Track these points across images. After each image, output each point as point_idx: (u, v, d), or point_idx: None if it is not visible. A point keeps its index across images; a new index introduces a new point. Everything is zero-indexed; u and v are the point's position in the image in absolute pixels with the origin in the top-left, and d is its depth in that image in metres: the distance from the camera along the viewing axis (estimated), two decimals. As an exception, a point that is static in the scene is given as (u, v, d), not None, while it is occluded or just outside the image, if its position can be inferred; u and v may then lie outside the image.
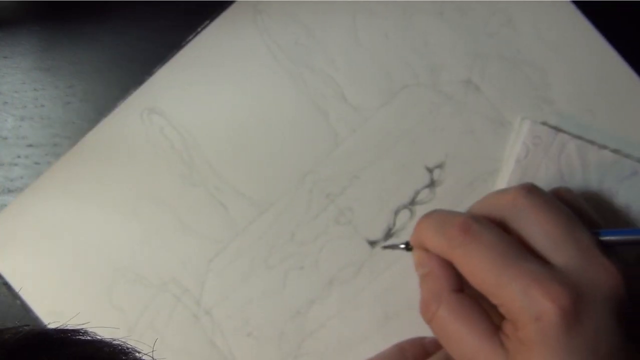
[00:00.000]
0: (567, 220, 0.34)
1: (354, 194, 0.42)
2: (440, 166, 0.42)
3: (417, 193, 0.42)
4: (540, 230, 0.33)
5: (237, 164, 0.42)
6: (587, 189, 0.41)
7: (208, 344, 0.41)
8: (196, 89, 0.43)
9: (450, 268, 0.36)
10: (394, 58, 0.43)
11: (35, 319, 0.41)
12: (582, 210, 0.37)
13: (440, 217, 0.36)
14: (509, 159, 0.42)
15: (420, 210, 0.42)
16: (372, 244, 0.42)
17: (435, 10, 0.43)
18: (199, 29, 0.43)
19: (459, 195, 0.42)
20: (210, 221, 0.42)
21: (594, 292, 0.31)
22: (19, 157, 0.44)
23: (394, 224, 0.42)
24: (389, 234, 0.42)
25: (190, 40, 0.43)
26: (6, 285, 0.41)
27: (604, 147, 0.42)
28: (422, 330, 0.40)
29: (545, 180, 0.41)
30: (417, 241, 0.37)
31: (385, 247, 0.42)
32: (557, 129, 0.42)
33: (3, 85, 0.44)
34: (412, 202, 0.42)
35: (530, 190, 0.35)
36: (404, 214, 0.42)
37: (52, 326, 0.40)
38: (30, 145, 0.44)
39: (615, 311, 0.31)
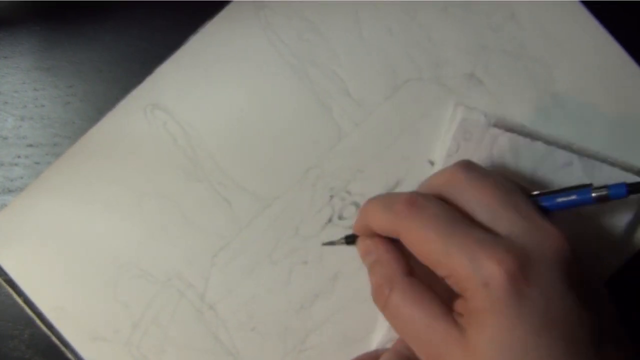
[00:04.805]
0: (504, 190, 0.35)
1: (358, 188, 0.44)
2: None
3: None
4: (479, 203, 0.35)
5: (240, 159, 0.44)
6: (520, 181, 0.41)
7: (212, 338, 0.43)
8: (200, 84, 0.44)
9: (398, 252, 0.37)
10: (398, 52, 0.44)
11: (37, 316, 0.43)
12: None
13: (386, 197, 0.37)
14: (441, 152, 0.44)
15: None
16: (376, 238, 0.43)
17: (439, 4, 0.45)
18: (201, 27, 0.45)
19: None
20: (214, 216, 0.43)
21: (540, 256, 0.33)
22: (19, 157, 0.45)
23: (398, 218, 0.44)
24: (392, 228, 0.44)
25: (193, 36, 0.45)
26: (9, 282, 0.43)
27: (537, 139, 0.43)
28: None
29: None
30: (362, 226, 0.39)
31: (325, 244, 0.43)
32: (489, 122, 0.43)
33: (3, 85, 0.46)
34: (416, 196, 0.44)
35: (466, 166, 0.37)
36: (408, 208, 0.44)
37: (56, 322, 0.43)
38: (30, 145, 0.46)
39: (563, 274, 0.33)
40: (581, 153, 0.43)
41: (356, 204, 0.44)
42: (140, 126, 0.44)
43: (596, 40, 0.45)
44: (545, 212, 0.37)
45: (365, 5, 0.45)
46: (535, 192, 0.38)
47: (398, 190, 0.44)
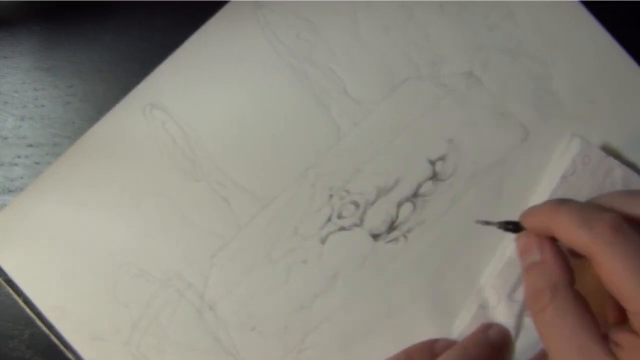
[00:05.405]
0: None
1: (357, 187, 0.44)
2: (442, 158, 0.44)
3: (419, 186, 0.44)
4: None
5: (239, 158, 0.44)
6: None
7: (212, 338, 0.43)
8: (198, 84, 0.44)
9: (565, 259, 0.36)
10: (395, 51, 0.45)
11: (37, 316, 0.43)
12: None
13: (584, 210, 0.35)
14: (553, 173, 0.43)
15: (423, 203, 0.44)
16: (375, 237, 0.43)
17: (435, 3, 0.45)
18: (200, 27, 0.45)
19: (462, 188, 0.44)
20: (213, 216, 0.44)
21: None
22: (19, 157, 0.46)
23: (397, 217, 0.43)
24: (391, 227, 0.43)
25: (191, 35, 0.45)
26: (9, 282, 0.43)
27: None
28: (426, 324, 0.43)
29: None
30: (537, 223, 0.37)
31: (479, 222, 0.41)
32: (607, 152, 0.43)
33: (3, 85, 0.46)
34: (415, 195, 0.44)
35: None
36: (407, 207, 0.43)
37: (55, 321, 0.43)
38: (30, 145, 0.46)
39: None
40: None
41: (355, 203, 0.44)
42: (139, 126, 0.44)
43: (593, 37, 0.45)
44: None
45: (363, 4, 0.45)
46: None
47: (398, 188, 0.44)
